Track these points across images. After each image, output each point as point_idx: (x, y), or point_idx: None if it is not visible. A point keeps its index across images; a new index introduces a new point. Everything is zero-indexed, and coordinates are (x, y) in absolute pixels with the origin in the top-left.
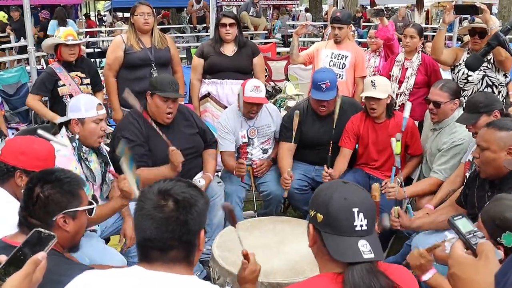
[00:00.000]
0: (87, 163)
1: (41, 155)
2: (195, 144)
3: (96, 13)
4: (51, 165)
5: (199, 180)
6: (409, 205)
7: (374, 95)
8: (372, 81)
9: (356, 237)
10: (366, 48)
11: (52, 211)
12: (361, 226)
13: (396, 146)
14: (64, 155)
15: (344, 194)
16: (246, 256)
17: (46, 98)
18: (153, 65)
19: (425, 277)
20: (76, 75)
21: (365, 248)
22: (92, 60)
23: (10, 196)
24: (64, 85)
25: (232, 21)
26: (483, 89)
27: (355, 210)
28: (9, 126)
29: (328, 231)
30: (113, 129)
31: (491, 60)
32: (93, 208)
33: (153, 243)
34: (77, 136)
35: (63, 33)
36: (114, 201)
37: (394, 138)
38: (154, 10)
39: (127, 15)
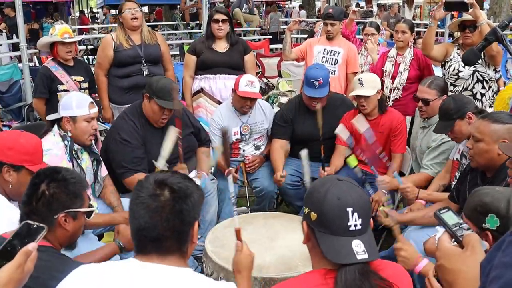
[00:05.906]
0: (78, 161)
1: (28, 149)
2: (189, 144)
3: (89, 10)
4: (39, 159)
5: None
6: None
7: (362, 93)
8: (359, 79)
9: (350, 237)
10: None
11: (55, 209)
12: (355, 226)
13: (352, 160)
14: (56, 154)
15: (338, 193)
16: (238, 234)
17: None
18: (143, 62)
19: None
20: (75, 80)
21: (359, 248)
22: (85, 57)
23: None
24: (64, 90)
25: (225, 17)
26: (473, 85)
27: (349, 210)
28: (1, 123)
29: (322, 230)
30: (105, 127)
31: (482, 55)
32: (92, 211)
33: (147, 232)
34: (69, 134)
35: (59, 31)
36: (117, 214)
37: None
38: (148, 7)
39: None
